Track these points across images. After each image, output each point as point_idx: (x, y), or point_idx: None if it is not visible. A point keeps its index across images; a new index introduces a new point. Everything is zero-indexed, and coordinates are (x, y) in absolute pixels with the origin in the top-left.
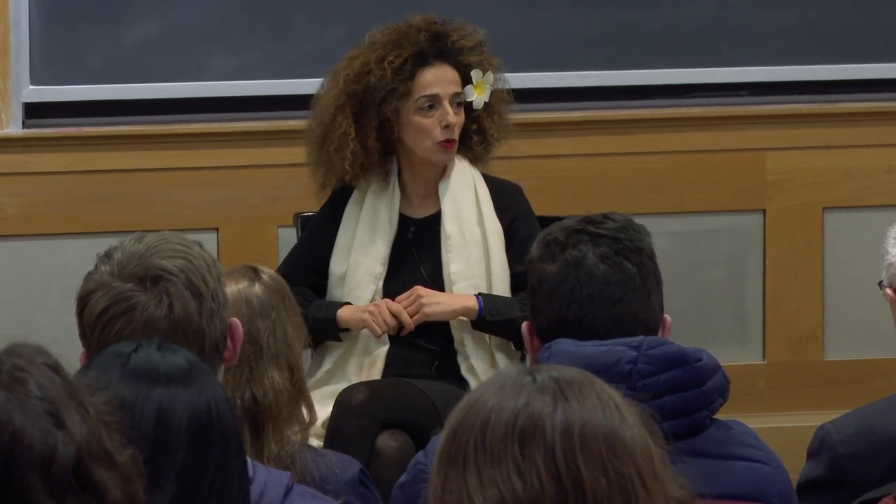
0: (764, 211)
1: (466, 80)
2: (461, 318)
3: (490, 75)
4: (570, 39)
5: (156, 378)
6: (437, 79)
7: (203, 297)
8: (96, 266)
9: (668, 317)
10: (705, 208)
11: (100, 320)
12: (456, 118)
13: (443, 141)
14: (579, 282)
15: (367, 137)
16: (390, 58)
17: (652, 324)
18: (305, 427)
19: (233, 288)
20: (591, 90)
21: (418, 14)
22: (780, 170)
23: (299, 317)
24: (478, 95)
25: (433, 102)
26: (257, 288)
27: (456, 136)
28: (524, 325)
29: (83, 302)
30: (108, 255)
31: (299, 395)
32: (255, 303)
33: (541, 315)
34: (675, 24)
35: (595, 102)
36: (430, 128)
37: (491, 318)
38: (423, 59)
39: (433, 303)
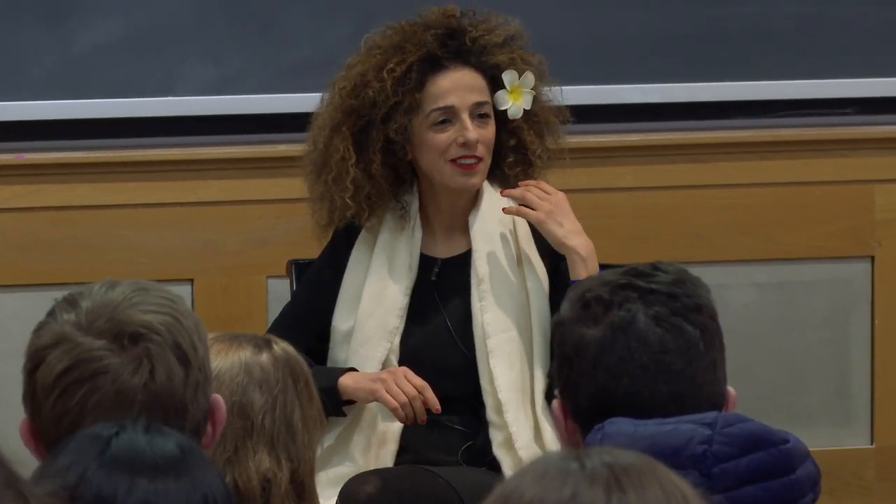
0: (872, 258)
1: (497, 85)
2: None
3: (529, 76)
4: (631, 44)
5: (141, 468)
6: (453, 86)
7: (190, 366)
8: (54, 312)
9: (731, 390)
10: (800, 254)
11: (59, 383)
12: (480, 132)
13: (460, 159)
14: (630, 350)
15: (371, 163)
16: (391, 65)
17: (718, 401)
18: None
19: (233, 356)
20: (657, 107)
21: (434, 7)
22: (892, 206)
23: (317, 409)
24: (514, 103)
25: (448, 116)
26: (264, 357)
27: (481, 153)
28: (555, 404)
29: (37, 358)
30: (71, 303)
31: (300, 496)
32: (256, 372)
33: (580, 391)
34: (762, 25)
35: (662, 123)
36: (444, 146)
37: None
38: (434, 64)
39: (560, 221)
